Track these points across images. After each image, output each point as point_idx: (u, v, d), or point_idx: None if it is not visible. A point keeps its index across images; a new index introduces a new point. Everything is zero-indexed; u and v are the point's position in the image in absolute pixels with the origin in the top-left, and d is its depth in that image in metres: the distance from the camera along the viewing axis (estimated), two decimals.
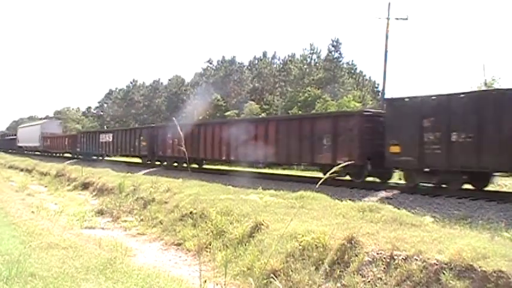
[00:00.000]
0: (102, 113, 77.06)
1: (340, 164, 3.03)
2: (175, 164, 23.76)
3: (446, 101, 11.80)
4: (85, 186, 18.41)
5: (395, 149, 12.71)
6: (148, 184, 13.66)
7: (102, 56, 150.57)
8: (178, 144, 20.68)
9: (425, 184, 12.71)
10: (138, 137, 27.51)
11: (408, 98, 13.06)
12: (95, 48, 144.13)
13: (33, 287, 4.12)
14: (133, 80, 75.65)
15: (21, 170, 30.36)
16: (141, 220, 11.26)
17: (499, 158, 10.67)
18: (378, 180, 14.72)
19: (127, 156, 30.67)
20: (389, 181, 14.61)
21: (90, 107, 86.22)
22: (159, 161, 25.54)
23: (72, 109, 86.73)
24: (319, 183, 3.22)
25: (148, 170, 23.71)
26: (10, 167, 33.49)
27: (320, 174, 15.36)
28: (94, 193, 16.68)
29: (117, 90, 77.00)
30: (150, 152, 26.31)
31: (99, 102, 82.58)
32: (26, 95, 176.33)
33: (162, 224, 10.30)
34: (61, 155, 40.45)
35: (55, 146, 42.22)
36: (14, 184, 20.80)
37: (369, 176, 14.48)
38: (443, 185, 12.12)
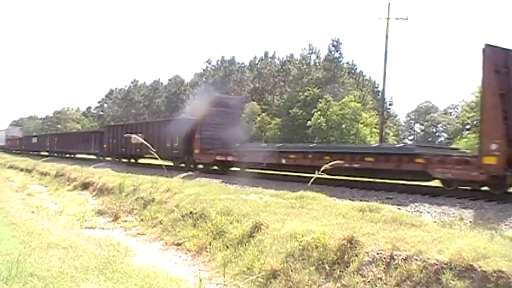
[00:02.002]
0: (102, 113, 77.10)
1: None
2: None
3: None
4: (85, 186, 18.41)
5: None
6: (148, 184, 13.66)
7: (103, 56, 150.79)
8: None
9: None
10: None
11: None
12: (95, 48, 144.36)
13: (33, 287, 4.11)
14: (134, 80, 75.78)
15: (21, 170, 30.36)
16: (141, 220, 11.26)
17: None
18: None
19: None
20: None
21: (90, 107, 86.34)
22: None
23: (72, 109, 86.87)
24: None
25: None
26: (10, 167, 33.50)
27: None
28: (94, 193, 16.68)
29: (117, 90, 77.04)
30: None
31: (99, 102, 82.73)
32: (26, 95, 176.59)
33: (162, 224, 10.30)
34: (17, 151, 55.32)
35: (14, 145, 60.33)
36: (14, 184, 20.80)
37: None
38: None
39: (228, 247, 7.57)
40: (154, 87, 71.91)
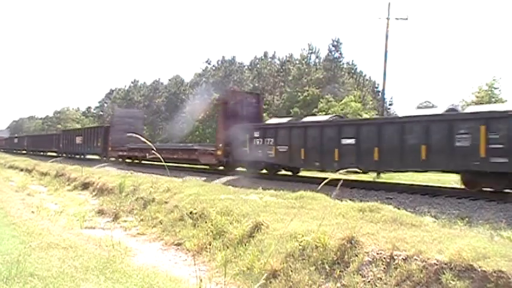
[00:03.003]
0: (102, 113, 77.13)
1: None
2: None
3: None
4: (85, 186, 18.40)
5: None
6: (148, 184, 13.65)
7: (103, 56, 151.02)
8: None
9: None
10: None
11: None
12: (95, 49, 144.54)
13: (33, 286, 4.11)
14: (134, 80, 75.78)
15: (21, 170, 30.35)
16: (141, 220, 11.25)
17: None
18: None
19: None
20: None
21: (90, 107, 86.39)
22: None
23: (72, 109, 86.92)
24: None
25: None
26: (10, 167, 33.49)
27: (321, 175, 15.34)
28: (94, 193, 16.67)
29: (117, 90, 77.06)
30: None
31: (99, 102, 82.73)
32: (26, 95, 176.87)
33: (162, 224, 10.30)
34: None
35: (1, 145, 69.35)
36: (14, 184, 20.80)
37: None
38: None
39: (228, 247, 7.56)
40: (154, 87, 71.89)
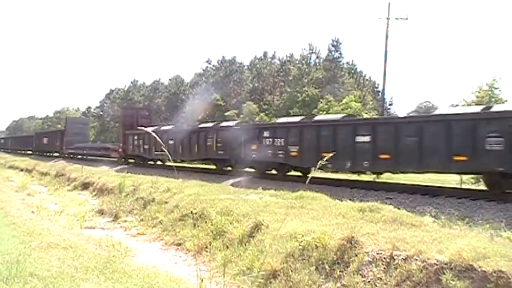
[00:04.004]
0: (102, 113, 77.10)
1: None
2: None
3: None
4: (85, 186, 18.41)
5: None
6: (148, 184, 13.65)
7: (103, 56, 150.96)
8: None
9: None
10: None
11: None
12: (95, 49, 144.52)
13: (33, 286, 4.11)
14: (134, 80, 75.66)
15: (21, 170, 30.37)
16: (141, 220, 11.26)
17: None
18: None
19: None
20: None
21: (90, 107, 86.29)
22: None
23: (72, 109, 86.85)
24: None
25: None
26: (10, 167, 33.51)
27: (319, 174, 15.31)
28: (94, 193, 16.67)
29: (117, 90, 77.01)
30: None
31: (99, 102, 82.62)
32: (26, 95, 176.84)
33: (162, 224, 10.30)
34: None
35: None
36: (14, 184, 20.80)
37: None
38: None
39: (228, 247, 7.57)
40: (154, 87, 71.76)
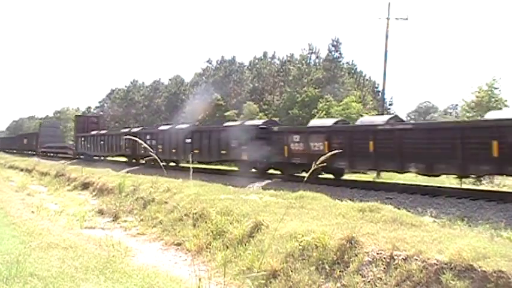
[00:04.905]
0: (102, 113, 77.08)
1: None
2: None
3: None
4: (85, 186, 18.40)
5: None
6: (148, 184, 13.65)
7: (103, 56, 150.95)
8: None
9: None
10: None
11: None
12: (95, 49, 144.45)
13: (33, 286, 4.11)
14: (134, 80, 75.62)
15: (21, 170, 30.36)
16: (141, 220, 11.25)
17: None
18: None
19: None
20: None
21: (90, 107, 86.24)
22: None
23: (72, 109, 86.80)
24: None
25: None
26: (10, 167, 33.50)
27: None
28: (94, 193, 16.67)
29: (117, 90, 76.98)
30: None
31: (99, 102, 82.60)
32: (26, 95, 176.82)
33: (162, 224, 10.30)
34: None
35: None
36: (14, 184, 20.80)
37: None
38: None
39: (228, 247, 7.56)
40: (154, 87, 71.73)
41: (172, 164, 24.31)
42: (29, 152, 51.04)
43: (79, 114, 65.67)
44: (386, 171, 16.27)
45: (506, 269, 4.30)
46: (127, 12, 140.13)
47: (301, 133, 16.45)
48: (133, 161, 27.54)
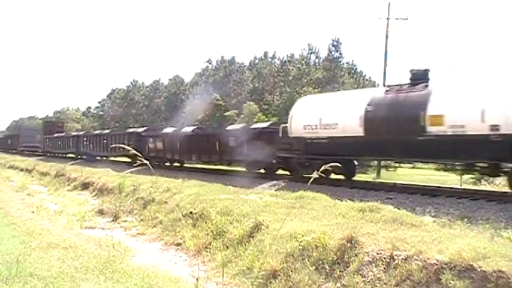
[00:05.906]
0: (102, 113, 77.09)
1: None
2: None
3: None
4: (85, 186, 18.41)
5: None
6: (148, 184, 13.65)
7: (103, 56, 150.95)
8: None
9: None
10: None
11: None
12: (95, 49, 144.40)
13: (33, 286, 4.11)
14: (134, 80, 75.59)
15: (21, 170, 30.38)
16: (141, 220, 11.26)
17: None
18: None
19: None
20: None
21: (90, 107, 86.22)
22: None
23: (72, 109, 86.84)
24: None
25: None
26: (10, 167, 33.52)
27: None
28: (94, 193, 16.68)
29: (117, 90, 76.98)
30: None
31: (99, 102, 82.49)
32: (26, 95, 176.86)
33: (162, 224, 10.30)
34: None
35: None
36: (14, 184, 20.81)
37: None
38: None
39: (228, 247, 7.57)
40: (154, 87, 71.71)
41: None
42: (14, 151, 58.16)
43: (48, 120, 74.48)
44: (186, 160, 24.27)
45: (506, 269, 4.30)
46: (127, 12, 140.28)
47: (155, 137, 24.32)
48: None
